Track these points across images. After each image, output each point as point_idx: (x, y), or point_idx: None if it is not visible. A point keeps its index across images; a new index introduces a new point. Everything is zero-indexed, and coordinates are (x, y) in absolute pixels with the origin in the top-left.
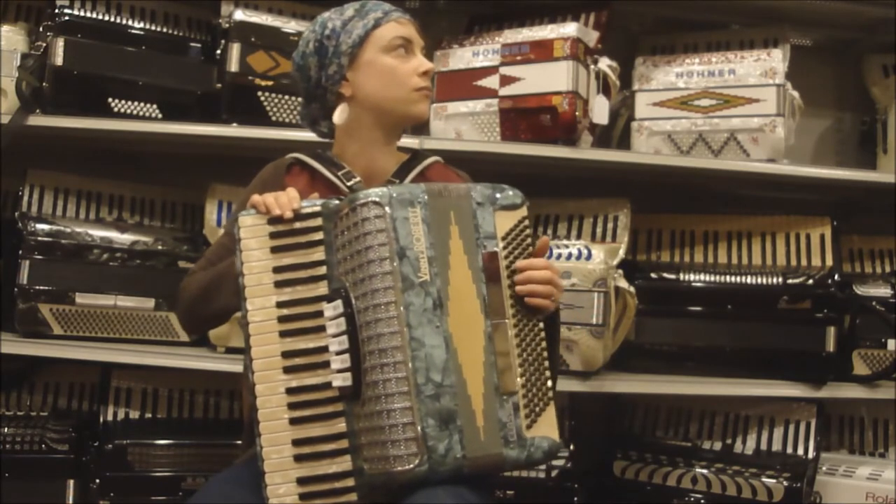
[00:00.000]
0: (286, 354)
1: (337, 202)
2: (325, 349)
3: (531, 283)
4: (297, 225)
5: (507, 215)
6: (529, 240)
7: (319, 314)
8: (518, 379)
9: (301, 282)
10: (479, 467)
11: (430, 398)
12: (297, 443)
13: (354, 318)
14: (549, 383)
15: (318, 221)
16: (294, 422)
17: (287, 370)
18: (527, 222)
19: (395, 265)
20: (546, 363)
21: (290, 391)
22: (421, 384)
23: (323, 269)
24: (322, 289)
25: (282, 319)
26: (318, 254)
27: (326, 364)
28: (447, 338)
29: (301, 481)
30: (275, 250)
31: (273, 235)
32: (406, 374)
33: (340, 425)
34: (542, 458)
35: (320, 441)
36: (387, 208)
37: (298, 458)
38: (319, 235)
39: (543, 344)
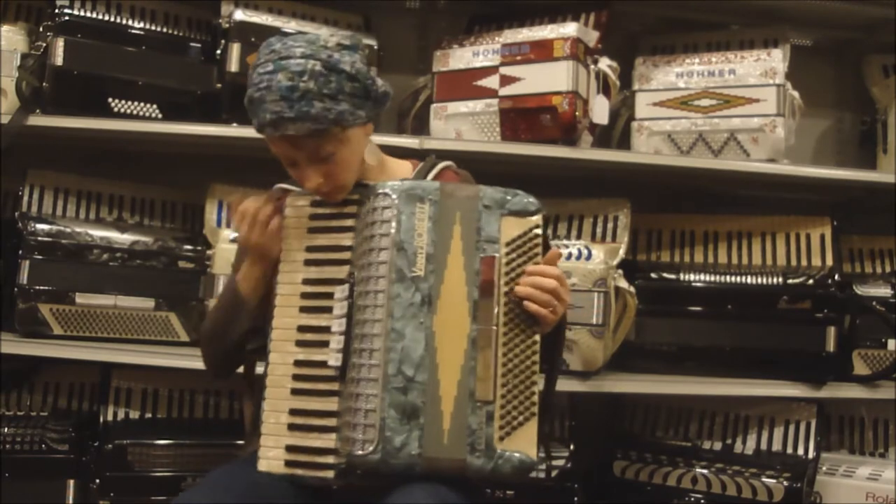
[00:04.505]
0: (301, 329)
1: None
2: (331, 329)
3: (532, 288)
4: (335, 210)
5: (516, 222)
6: (538, 249)
7: (334, 295)
8: (497, 389)
9: (327, 263)
10: (435, 469)
11: (398, 390)
12: (293, 412)
13: (353, 303)
14: (535, 398)
15: (354, 208)
16: (295, 392)
17: (299, 343)
18: (538, 231)
19: (390, 256)
20: (534, 377)
21: (297, 363)
22: (391, 375)
23: (348, 255)
24: (343, 272)
25: (304, 296)
26: (347, 239)
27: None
28: (429, 336)
29: (289, 449)
30: (311, 231)
31: (312, 217)
32: (379, 363)
33: (333, 404)
34: (511, 473)
35: (313, 415)
36: (395, 200)
37: (291, 427)
38: (351, 222)
39: (535, 357)
